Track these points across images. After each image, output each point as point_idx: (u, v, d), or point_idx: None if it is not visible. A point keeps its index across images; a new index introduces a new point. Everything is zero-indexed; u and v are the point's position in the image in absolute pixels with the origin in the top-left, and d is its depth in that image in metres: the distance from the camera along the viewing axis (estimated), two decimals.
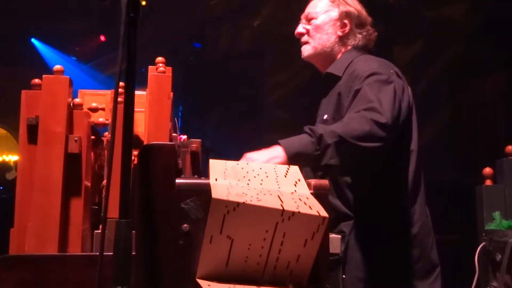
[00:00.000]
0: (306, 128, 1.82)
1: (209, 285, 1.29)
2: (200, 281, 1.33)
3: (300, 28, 2.30)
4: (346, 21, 2.24)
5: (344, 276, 1.88)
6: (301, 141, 1.79)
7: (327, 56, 2.26)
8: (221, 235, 1.31)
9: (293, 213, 1.29)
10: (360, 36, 2.26)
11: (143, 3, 6.42)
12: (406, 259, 2.03)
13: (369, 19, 2.30)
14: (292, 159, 1.72)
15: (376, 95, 1.91)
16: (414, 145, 2.10)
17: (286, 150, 1.75)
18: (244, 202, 1.29)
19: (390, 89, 1.98)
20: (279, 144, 1.78)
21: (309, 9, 2.31)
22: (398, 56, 5.97)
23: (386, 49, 5.92)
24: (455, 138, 5.52)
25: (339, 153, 1.76)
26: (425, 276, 2.04)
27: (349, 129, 1.81)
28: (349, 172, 2.01)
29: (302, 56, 2.32)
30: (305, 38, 2.28)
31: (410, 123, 2.09)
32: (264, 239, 1.31)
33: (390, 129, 1.86)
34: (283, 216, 1.29)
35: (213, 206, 1.30)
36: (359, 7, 2.30)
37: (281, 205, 1.30)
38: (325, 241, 1.48)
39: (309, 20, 2.28)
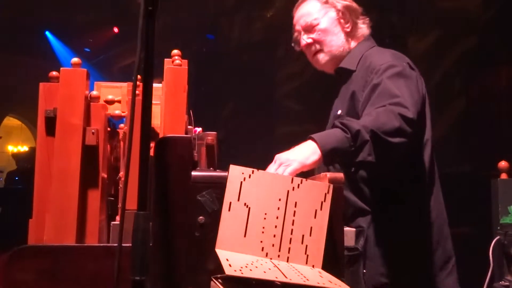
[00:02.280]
0: (337, 123, 1.75)
1: (227, 260, 1.31)
2: (219, 252, 1.35)
3: (306, 40, 2.23)
4: (346, 16, 2.21)
5: (364, 271, 1.88)
6: (335, 136, 1.70)
7: (343, 56, 2.22)
8: (238, 202, 1.40)
9: (301, 180, 1.45)
10: (363, 26, 2.24)
11: None
12: (424, 249, 2.02)
13: (360, 7, 2.27)
14: (327, 155, 1.66)
15: (398, 89, 1.89)
16: (428, 135, 2.09)
17: (321, 147, 1.66)
18: (258, 170, 1.43)
19: (410, 83, 1.96)
20: (312, 139, 1.69)
21: (305, 18, 2.23)
22: (412, 47, 5.93)
23: (400, 40, 5.89)
24: (469, 130, 5.48)
25: (375, 149, 1.71)
26: (442, 267, 2.04)
27: (379, 124, 1.76)
28: (382, 168, 1.95)
29: (318, 66, 2.26)
30: (314, 47, 2.22)
31: (424, 113, 2.08)
32: (278, 208, 1.41)
33: (415, 125, 1.84)
34: (293, 183, 1.43)
35: (231, 173, 1.41)
36: None
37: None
38: (340, 234, 1.49)
39: (310, 28, 2.22)
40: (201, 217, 1.43)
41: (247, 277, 1.25)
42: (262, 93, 7.04)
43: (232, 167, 1.43)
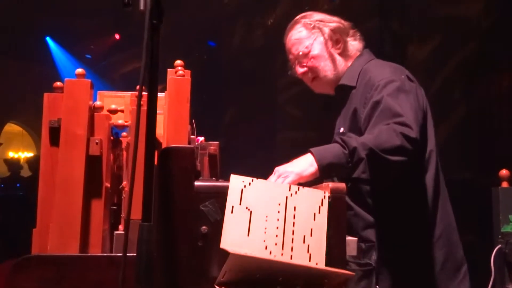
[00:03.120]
0: (337, 138, 1.80)
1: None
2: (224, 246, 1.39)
3: (300, 69, 2.24)
4: (335, 38, 2.22)
5: (377, 286, 1.88)
6: (333, 151, 1.76)
7: (339, 78, 2.23)
8: (240, 206, 1.45)
9: (299, 188, 1.51)
10: (355, 42, 2.24)
11: None
12: (434, 261, 2.02)
13: (349, 23, 2.27)
14: (324, 169, 1.71)
15: (400, 106, 1.90)
16: (431, 145, 2.09)
17: (318, 161, 1.71)
18: (257, 178, 1.50)
19: (411, 98, 1.98)
20: (311, 152, 1.74)
21: (296, 46, 2.24)
22: (413, 54, 5.94)
23: (400, 47, 5.91)
24: (470, 137, 5.48)
25: (370, 167, 1.76)
26: (454, 275, 2.05)
27: (379, 142, 1.79)
28: (379, 184, 1.99)
29: (317, 92, 2.29)
30: (309, 75, 2.24)
31: (426, 125, 2.09)
32: (278, 212, 1.47)
33: (418, 143, 1.86)
34: (291, 191, 1.50)
35: (232, 182, 1.46)
36: (336, 18, 2.26)
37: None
38: (343, 243, 1.50)
39: (301, 58, 2.23)
40: (204, 226, 1.44)
41: (251, 256, 1.35)
42: (264, 99, 7.05)
43: (233, 177, 1.47)
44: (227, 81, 7.31)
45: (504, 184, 2.80)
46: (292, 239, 1.45)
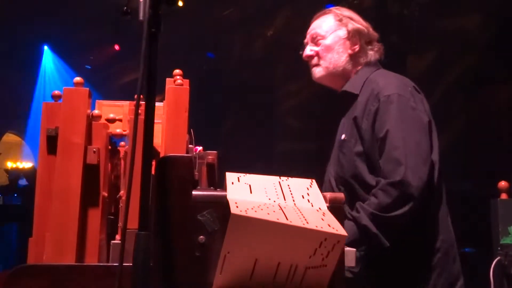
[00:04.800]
0: (348, 215, 1.94)
1: (235, 203, 1.34)
2: (229, 195, 1.39)
3: (308, 51, 2.29)
4: (355, 39, 2.24)
5: None
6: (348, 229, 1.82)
7: (339, 75, 2.25)
8: (239, 182, 1.46)
9: (287, 178, 1.50)
10: (371, 52, 2.26)
11: (180, 3, 6.46)
12: (429, 274, 2.02)
13: (376, 34, 2.30)
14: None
15: (405, 149, 1.96)
16: (435, 156, 2.09)
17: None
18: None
19: (418, 127, 2.03)
20: None
21: (315, 30, 2.28)
22: (412, 66, 5.96)
23: (399, 59, 5.92)
24: (469, 149, 5.49)
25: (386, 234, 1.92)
26: None
27: (386, 210, 1.93)
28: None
29: (313, 78, 2.31)
30: (315, 60, 2.27)
31: (431, 137, 2.09)
32: (275, 188, 1.47)
33: (423, 194, 1.96)
34: (281, 178, 1.50)
35: (228, 176, 1.47)
36: (365, 23, 2.29)
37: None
38: (341, 255, 1.49)
39: (316, 41, 2.27)
40: (201, 236, 1.42)
41: (250, 217, 1.30)
42: (262, 110, 7.06)
43: (229, 174, 1.49)
44: (226, 92, 7.33)
45: (503, 196, 2.80)
46: (292, 196, 1.45)
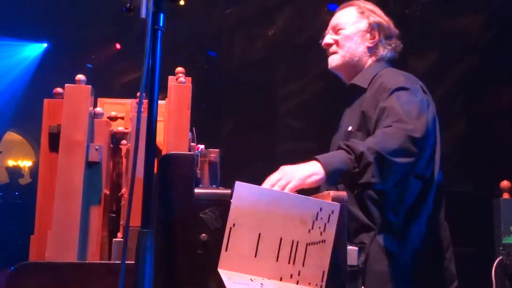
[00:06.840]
0: (342, 145, 1.79)
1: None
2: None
3: (328, 39, 2.31)
4: (375, 32, 2.26)
5: (363, 287, 1.87)
6: (339, 158, 1.74)
7: (354, 66, 2.27)
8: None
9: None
10: (389, 47, 2.28)
11: (182, 2, 6.46)
12: (426, 271, 2.02)
13: (396, 30, 2.32)
14: (331, 175, 1.69)
15: (408, 110, 1.91)
16: (437, 156, 2.10)
17: (325, 167, 1.69)
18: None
19: (420, 103, 1.99)
20: (316, 159, 1.72)
21: (337, 20, 2.32)
22: (413, 67, 5.94)
23: (401, 60, 5.91)
24: (470, 149, 5.48)
25: (378, 170, 1.74)
26: None
27: (385, 144, 1.78)
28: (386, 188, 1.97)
29: (329, 67, 2.32)
30: (333, 48, 2.29)
31: (435, 136, 2.09)
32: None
33: (422, 144, 1.87)
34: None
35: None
36: (387, 18, 2.32)
37: None
38: (343, 252, 1.49)
39: (337, 30, 2.29)
40: (203, 234, 1.42)
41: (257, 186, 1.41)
42: (263, 110, 7.05)
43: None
44: (227, 91, 7.32)
45: (505, 195, 2.80)
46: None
